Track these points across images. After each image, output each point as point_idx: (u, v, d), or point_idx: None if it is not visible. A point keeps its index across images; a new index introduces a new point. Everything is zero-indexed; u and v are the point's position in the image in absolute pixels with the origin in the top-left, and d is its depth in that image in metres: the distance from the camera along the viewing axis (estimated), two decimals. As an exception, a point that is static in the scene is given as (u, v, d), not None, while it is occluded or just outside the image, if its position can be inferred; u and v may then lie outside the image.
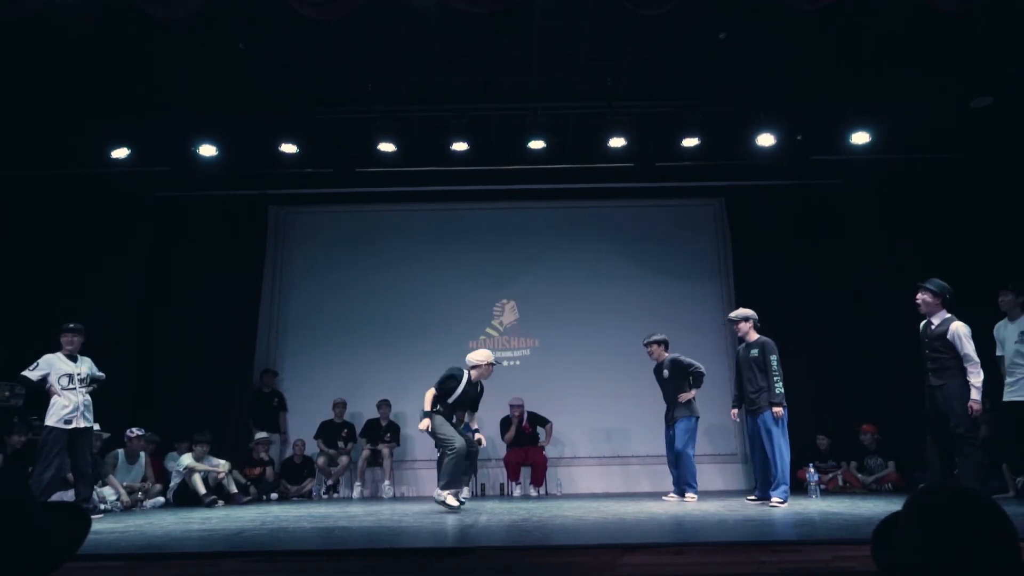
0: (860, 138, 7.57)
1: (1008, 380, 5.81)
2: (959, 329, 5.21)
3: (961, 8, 5.01)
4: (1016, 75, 6.88)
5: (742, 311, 6.37)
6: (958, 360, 5.19)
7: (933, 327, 5.35)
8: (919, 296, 5.42)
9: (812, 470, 6.94)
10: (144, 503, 7.14)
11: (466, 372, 5.80)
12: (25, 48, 6.36)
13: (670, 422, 6.74)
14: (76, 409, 5.79)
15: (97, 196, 8.53)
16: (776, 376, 5.91)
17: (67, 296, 8.18)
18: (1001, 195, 7.88)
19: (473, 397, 5.93)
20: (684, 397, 6.61)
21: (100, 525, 4.84)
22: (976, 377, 5.12)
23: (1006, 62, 6.75)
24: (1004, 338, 5.95)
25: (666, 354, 6.89)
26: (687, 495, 6.46)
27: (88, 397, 5.96)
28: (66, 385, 5.80)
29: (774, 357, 5.97)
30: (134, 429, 7.31)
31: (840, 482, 7.94)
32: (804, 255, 8.99)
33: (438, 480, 5.65)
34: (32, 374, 5.78)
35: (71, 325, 5.98)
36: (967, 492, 1.18)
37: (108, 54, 6.61)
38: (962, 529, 1.13)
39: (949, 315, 5.33)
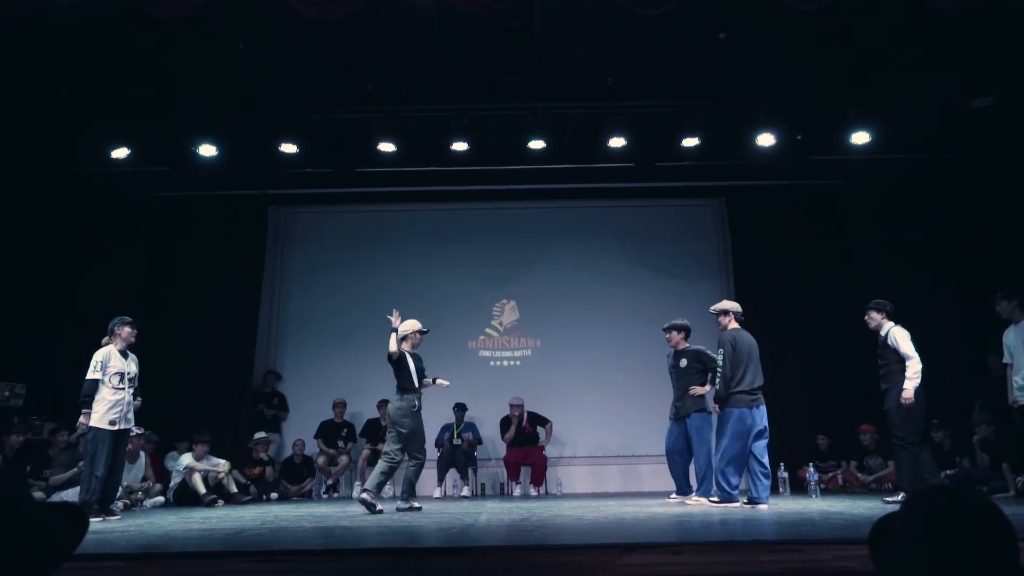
0: (860, 138, 7.57)
1: (1019, 384, 5.84)
2: (895, 332, 5.70)
3: (961, 8, 5.01)
4: (1016, 75, 6.88)
5: (722, 304, 6.09)
6: (901, 365, 5.58)
7: (881, 338, 5.84)
8: (865, 317, 5.95)
9: (812, 470, 6.94)
10: (144, 503, 7.14)
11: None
12: (26, 48, 6.36)
13: (681, 416, 6.29)
14: (122, 410, 5.58)
15: (97, 196, 8.53)
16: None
17: (67, 296, 8.18)
18: (1001, 195, 7.87)
19: (419, 368, 6.11)
20: (697, 391, 6.21)
21: (100, 525, 4.84)
22: (911, 369, 5.48)
23: (1006, 62, 6.75)
24: (1012, 344, 5.98)
25: (686, 343, 6.50)
26: (710, 497, 5.88)
27: (136, 399, 5.79)
28: (116, 385, 5.55)
29: (720, 351, 5.71)
30: (134, 429, 7.30)
31: (840, 482, 7.94)
32: (804, 255, 8.99)
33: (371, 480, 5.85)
34: (94, 375, 5.51)
35: (128, 318, 5.74)
36: (965, 492, 1.18)
37: (108, 54, 6.61)
38: (960, 529, 1.12)
39: (891, 323, 5.82)
